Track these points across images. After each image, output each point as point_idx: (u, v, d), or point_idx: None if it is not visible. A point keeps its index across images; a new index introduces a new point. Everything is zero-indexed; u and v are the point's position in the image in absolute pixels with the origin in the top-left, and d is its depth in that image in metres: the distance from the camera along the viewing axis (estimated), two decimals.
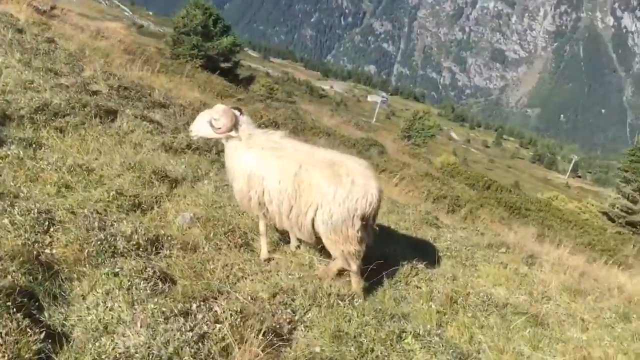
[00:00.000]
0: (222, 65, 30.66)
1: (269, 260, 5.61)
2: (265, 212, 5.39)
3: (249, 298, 4.53)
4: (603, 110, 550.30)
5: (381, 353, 4.12)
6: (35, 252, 4.47)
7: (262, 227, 5.64)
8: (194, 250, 5.16)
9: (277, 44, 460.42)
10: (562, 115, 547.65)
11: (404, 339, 4.33)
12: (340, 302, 4.70)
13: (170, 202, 6.25)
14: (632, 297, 6.97)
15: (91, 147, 7.17)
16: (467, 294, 5.64)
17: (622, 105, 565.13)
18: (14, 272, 3.97)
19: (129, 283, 4.14)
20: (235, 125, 5.39)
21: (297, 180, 5.01)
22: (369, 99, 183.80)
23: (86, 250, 4.61)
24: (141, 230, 5.07)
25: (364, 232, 5.00)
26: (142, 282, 4.19)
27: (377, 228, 5.26)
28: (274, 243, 5.98)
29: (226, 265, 5.05)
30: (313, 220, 5.06)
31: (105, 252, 4.66)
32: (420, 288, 5.69)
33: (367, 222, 5.00)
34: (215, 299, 4.50)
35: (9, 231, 4.66)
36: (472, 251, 7.30)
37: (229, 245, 5.55)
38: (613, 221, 30.28)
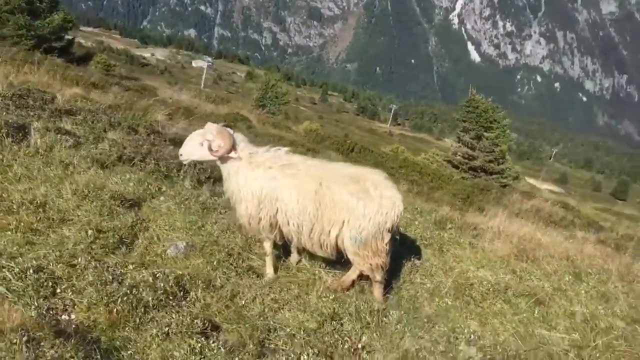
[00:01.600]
0: (55, 44, 27.90)
1: (276, 279, 5.42)
2: (277, 233, 5.19)
3: (301, 331, 4.39)
4: (412, 61, 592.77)
5: None
6: (53, 322, 3.94)
7: (268, 247, 5.40)
8: (215, 287, 4.83)
9: (85, 11, 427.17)
10: (377, 68, 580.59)
11: (457, 345, 4.49)
12: (384, 319, 4.72)
13: (147, 230, 5.73)
14: (568, 255, 7.86)
15: (19, 173, 6.28)
16: (471, 285, 5.96)
17: (429, 54, 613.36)
18: (72, 358, 3.45)
19: (199, 345, 3.80)
20: (233, 146, 5.07)
21: (317, 198, 4.85)
22: (194, 64, 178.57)
23: (115, 310, 4.12)
24: (162, 275, 4.62)
25: (390, 244, 5.03)
26: (211, 342, 3.87)
27: (398, 237, 5.30)
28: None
29: (255, 297, 4.79)
30: (336, 237, 4.97)
31: (136, 307, 4.20)
32: (425, 284, 5.88)
33: (394, 232, 5.03)
34: (268, 337, 4.30)
35: (13, 301, 3.99)
36: (440, 235, 7.66)
37: (237, 272, 5.26)
38: (457, 168, 33.13)
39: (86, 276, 4.47)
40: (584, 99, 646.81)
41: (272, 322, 4.47)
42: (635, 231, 25.19)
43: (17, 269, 4.33)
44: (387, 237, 4.93)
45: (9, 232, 4.99)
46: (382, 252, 4.96)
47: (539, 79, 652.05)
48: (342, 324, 4.58)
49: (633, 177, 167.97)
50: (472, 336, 4.68)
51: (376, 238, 4.85)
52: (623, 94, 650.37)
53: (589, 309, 5.73)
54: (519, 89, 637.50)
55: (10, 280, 4.22)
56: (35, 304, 4.04)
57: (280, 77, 44.06)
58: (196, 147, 5.12)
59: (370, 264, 4.98)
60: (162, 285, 4.48)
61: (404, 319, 4.75)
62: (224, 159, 5.12)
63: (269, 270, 5.44)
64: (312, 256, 5.79)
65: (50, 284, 4.30)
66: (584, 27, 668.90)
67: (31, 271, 4.33)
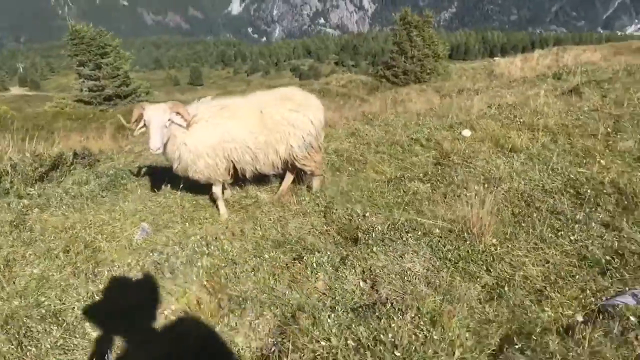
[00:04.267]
0: None
1: (229, 215, 6.00)
2: (230, 171, 5.76)
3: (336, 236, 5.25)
4: None
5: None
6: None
7: (218, 191, 5.87)
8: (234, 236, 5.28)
9: None
10: None
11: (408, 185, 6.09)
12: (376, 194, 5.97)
13: (82, 236, 5.52)
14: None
15: None
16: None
17: None
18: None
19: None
20: None
21: (263, 125, 5.57)
22: None
23: (205, 283, 4.48)
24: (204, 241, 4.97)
25: None
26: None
27: None
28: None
29: (266, 230, 5.41)
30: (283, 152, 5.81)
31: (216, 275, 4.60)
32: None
33: None
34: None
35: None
36: None
37: (211, 223, 5.73)
38: (91, 104, 31.88)
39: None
40: (125, 3, 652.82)
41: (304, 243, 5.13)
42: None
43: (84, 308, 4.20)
44: (322, 134, 6.04)
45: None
46: (321, 148, 6.07)
47: None
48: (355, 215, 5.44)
49: (199, 62, 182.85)
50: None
51: (316, 138, 5.89)
52: None
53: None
54: (60, 11, 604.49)
55: (102, 321, 4.12)
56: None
57: None
58: (164, 131, 5.14)
59: (315, 162, 6.02)
60: (216, 247, 4.84)
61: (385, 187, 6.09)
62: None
63: (223, 210, 5.96)
64: (240, 185, 6.49)
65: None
66: None
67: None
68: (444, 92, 19.60)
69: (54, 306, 4.28)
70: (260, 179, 6.54)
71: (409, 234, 4.66)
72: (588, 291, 3.87)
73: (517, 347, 3.29)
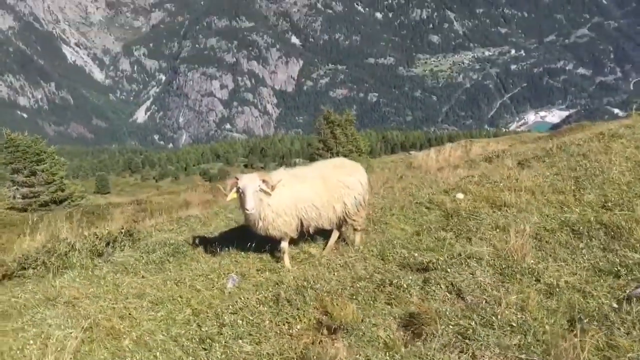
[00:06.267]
0: None
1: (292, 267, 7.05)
2: (298, 227, 6.88)
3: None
4: None
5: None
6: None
7: (285, 246, 6.95)
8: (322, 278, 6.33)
9: None
10: None
11: (436, 234, 7.44)
12: (396, 242, 7.23)
13: (184, 289, 6.39)
14: None
15: None
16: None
17: None
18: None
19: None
20: None
21: (325, 187, 6.86)
22: None
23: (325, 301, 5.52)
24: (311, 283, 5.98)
25: None
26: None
27: None
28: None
29: (342, 266, 6.55)
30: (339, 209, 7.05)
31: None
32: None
33: None
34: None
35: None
36: None
37: (284, 273, 6.76)
38: (26, 210, 31.15)
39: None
40: (25, 115, 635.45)
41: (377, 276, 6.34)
42: None
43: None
44: (367, 195, 7.37)
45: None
46: (367, 206, 7.39)
47: None
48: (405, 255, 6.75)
49: (105, 170, 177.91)
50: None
51: (364, 197, 7.23)
52: (59, 101, 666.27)
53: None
54: None
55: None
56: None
57: None
58: (257, 196, 6.30)
59: (362, 217, 7.31)
60: (314, 282, 5.90)
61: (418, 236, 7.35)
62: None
63: (287, 264, 7.01)
64: (295, 242, 7.56)
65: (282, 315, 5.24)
66: None
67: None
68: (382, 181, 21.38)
69: (200, 334, 5.12)
70: (308, 238, 7.66)
71: (468, 260, 5.97)
72: (615, 287, 5.29)
73: (585, 320, 4.61)
